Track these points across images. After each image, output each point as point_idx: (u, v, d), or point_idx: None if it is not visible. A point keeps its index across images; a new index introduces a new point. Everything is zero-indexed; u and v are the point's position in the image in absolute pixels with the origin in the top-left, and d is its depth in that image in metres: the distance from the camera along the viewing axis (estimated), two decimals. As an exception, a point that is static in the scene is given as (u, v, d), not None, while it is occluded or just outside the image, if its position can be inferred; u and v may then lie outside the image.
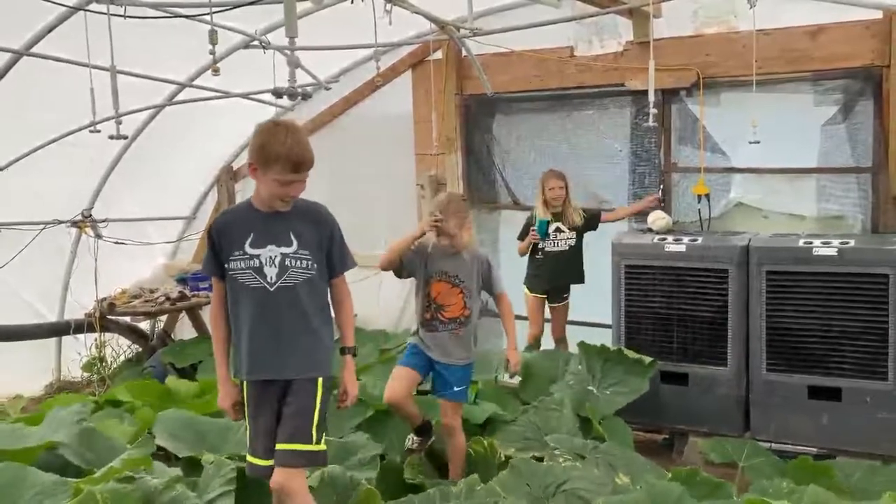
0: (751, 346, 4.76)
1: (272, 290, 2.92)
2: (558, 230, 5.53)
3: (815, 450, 4.63)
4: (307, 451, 2.94)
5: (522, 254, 5.70)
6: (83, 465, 3.53)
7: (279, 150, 2.79)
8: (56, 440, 3.65)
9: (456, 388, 3.99)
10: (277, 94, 4.22)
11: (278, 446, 2.93)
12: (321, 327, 3.03)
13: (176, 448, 3.98)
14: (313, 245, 2.98)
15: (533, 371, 5.38)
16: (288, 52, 4.01)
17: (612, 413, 4.71)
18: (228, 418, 3.34)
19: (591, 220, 5.61)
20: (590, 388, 4.99)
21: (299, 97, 4.25)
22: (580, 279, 5.66)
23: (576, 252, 5.60)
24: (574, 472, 3.68)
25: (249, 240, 2.93)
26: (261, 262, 2.92)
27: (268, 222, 2.95)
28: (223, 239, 2.96)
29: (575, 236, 5.56)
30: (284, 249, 2.93)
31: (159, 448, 4.25)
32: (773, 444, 4.78)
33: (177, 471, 3.60)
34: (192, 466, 3.81)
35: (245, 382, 3.03)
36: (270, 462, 2.96)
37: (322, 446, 2.98)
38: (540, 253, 5.58)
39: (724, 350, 4.84)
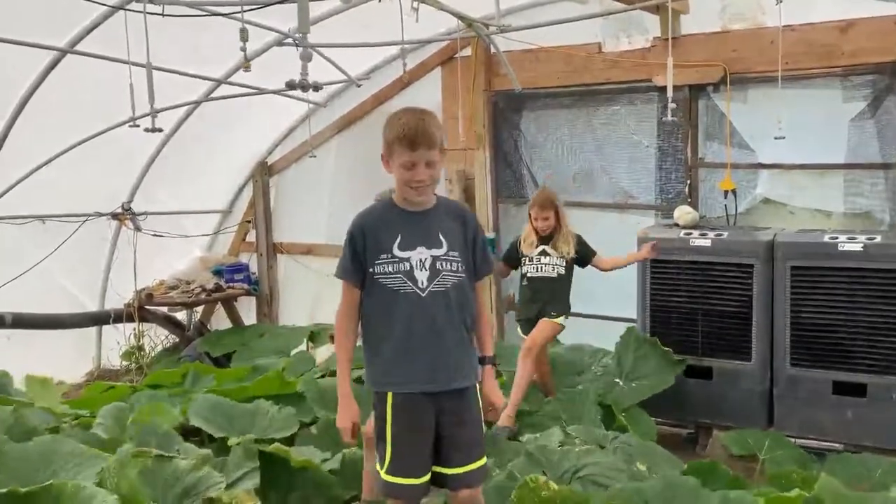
0: (775, 341, 4.76)
1: (424, 295, 2.71)
2: (544, 253, 4.86)
3: (839, 445, 4.64)
4: (485, 465, 2.81)
5: (502, 275, 5.57)
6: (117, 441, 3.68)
7: (396, 130, 2.65)
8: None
9: None
10: (290, 86, 4.31)
11: (464, 469, 2.75)
12: (471, 333, 2.85)
13: (210, 430, 4.12)
14: (460, 246, 2.79)
15: (558, 364, 5.44)
16: (317, 48, 4.13)
17: (636, 404, 4.75)
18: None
19: (581, 257, 4.93)
20: (616, 380, 5.05)
21: (311, 89, 4.30)
22: (564, 310, 4.91)
23: (562, 282, 4.87)
24: (590, 458, 3.73)
25: (397, 242, 2.72)
26: (411, 266, 2.71)
27: (414, 222, 2.77)
28: (368, 241, 2.74)
29: (564, 265, 4.86)
30: (435, 251, 2.74)
31: (194, 432, 4.42)
32: (798, 440, 4.79)
33: (207, 451, 3.74)
34: (224, 448, 3.95)
35: (391, 396, 2.75)
36: (426, 480, 2.75)
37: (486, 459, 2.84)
38: (524, 279, 4.98)
39: (748, 344, 4.85)
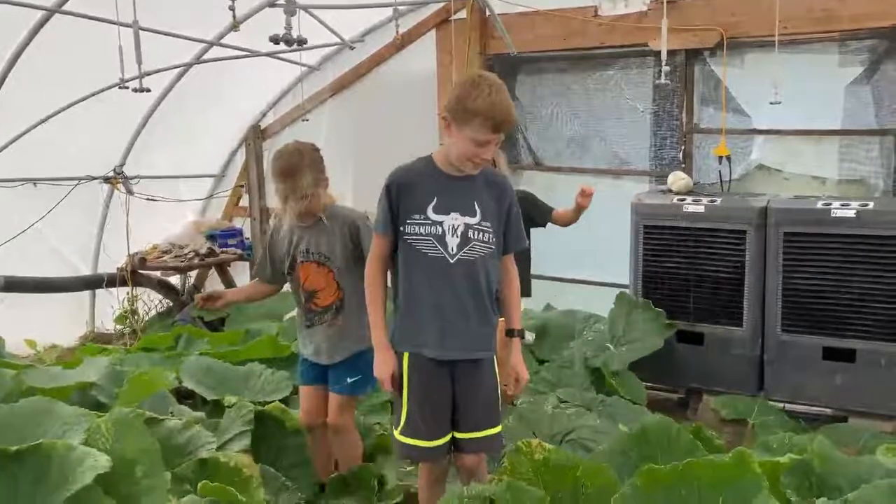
0: (767, 307, 4.77)
1: (452, 261, 2.69)
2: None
3: (829, 410, 4.68)
4: (498, 433, 2.85)
5: None
6: (112, 404, 3.70)
7: (481, 106, 2.54)
8: (88, 381, 3.83)
9: (350, 380, 3.36)
10: (274, 40, 4.24)
11: (472, 435, 2.79)
12: (493, 304, 2.83)
13: (202, 391, 4.13)
14: (494, 218, 2.76)
15: (550, 329, 5.47)
16: (309, 10, 4.08)
17: (627, 368, 4.78)
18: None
19: (536, 217, 4.57)
20: (608, 345, 5.07)
21: (295, 44, 4.23)
22: (525, 291, 4.06)
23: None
24: (579, 420, 3.78)
25: (433, 204, 2.69)
26: (443, 230, 2.68)
27: (453, 186, 2.72)
28: (403, 198, 2.71)
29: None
30: (468, 219, 2.70)
31: (188, 395, 4.44)
32: (787, 405, 4.83)
33: (200, 413, 3.76)
34: (217, 410, 3.97)
35: (409, 356, 2.78)
36: (442, 442, 2.79)
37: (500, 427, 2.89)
38: None
39: (739, 310, 4.86)
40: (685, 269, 5.00)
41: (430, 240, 2.69)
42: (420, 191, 2.70)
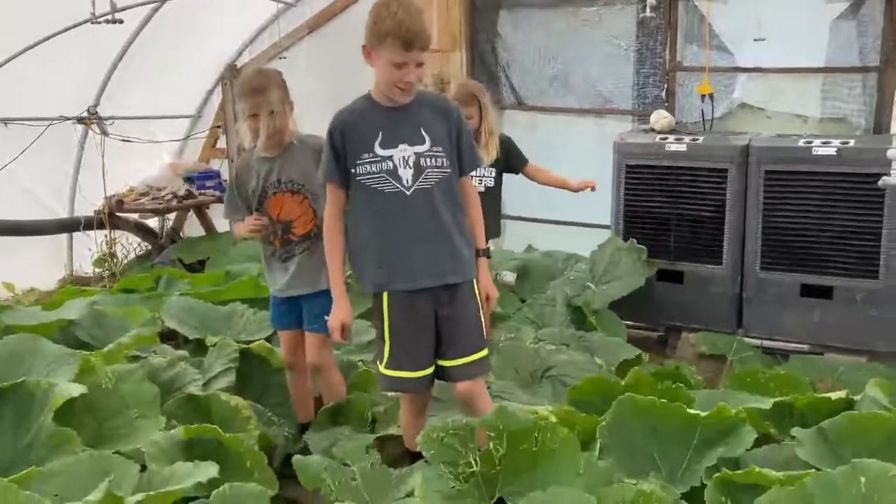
0: (746, 245, 4.81)
1: (409, 193, 2.70)
2: None
3: (805, 347, 4.76)
4: (484, 357, 2.86)
5: None
6: (94, 343, 3.69)
7: (389, 26, 2.53)
8: (69, 319, 3.81)
9: (327, 317, 3.20)
10: None
11: (460, 361, 2.80)
12: (463, 227, 2.85)
13: (185, 331, 4.12)
14: (445, 141, 2.75)
15: (531, 270, 5.49)
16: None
17: (607, 307, 4.83)
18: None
19: (512, 162, 4.49)
20: (588, 284, 5.11)
21: None
22: (494, 231, 4.38)
23: (491, 197, 4.33)
24: (560, 357, 3.82)
25: (378, 140, 2.68)
26: (394, 164, 2.68)
27: (396, 118, 2.71)
28: (348, 141, 2.71)
29: (493, 175, 4.36)
30: (418, 148, 2.69)
31: (170, 336, 4.43)
32: (765, 342, 4.91)
33: (183, 352, 3.76)
34: (200, 350, 3.97)
35: (386, 295, 2.79)
36: (425, 373, 2.82)
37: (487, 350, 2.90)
38: None
39: (719, 249, 4.89)
40: (667, 208, 5.01)
41: (383, 176, 2.69)
42: (364, 129, 2.71)
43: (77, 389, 2.74)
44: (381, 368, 2.86)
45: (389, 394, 3.50)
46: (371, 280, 2.82)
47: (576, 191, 4.65)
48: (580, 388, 3.29)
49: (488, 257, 2.99)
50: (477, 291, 2.87)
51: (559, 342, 4.22)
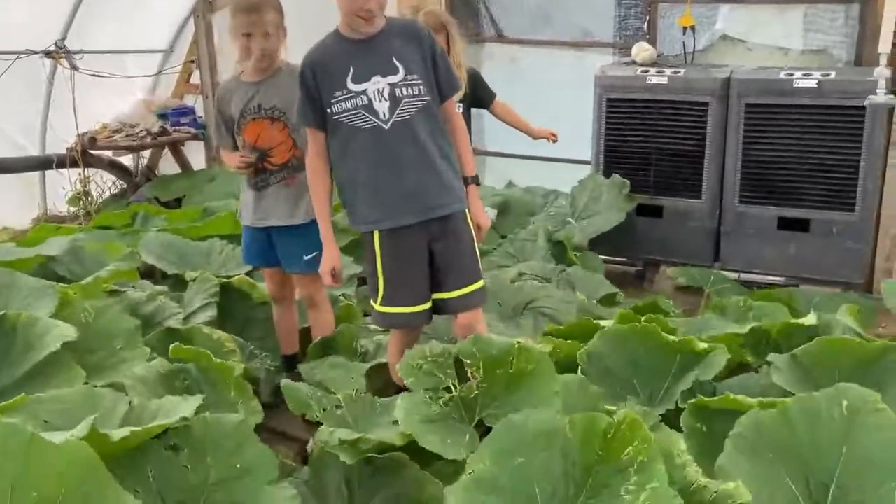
0: (726, 179, 4.83)
1: (388, 127, 2.62)
2: None
3: (781, 279, 4.84)
4: (481, 288, 2.83)
5: None
6: (72, 278, 3.65)
7: None
8: (47, 255, 3.76)
9: (307, 257, 3.22)
10: None
11: (458, 293, 2.77)
12: (450, 156, 2.77)
13: (163, 266, 4.09)
14: (419, 67, 2.65)
15: (512, 206, 5.49)
16: None
17: (587, 242, 4.85)
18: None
19: (479, 95, 4.39)
20: (569, 219, 5.13)
21: None
22: None
23: None
24: (542, 291, 3.85)
25: (350, 75, 2.60)
26: (369, 98, 2.60)
27: (365, 50, 2.62)
28: (320, 81, 2.63)
29: (461, 110, 4.05)
30: (392, 79, 2.61)
31: (149, 273, 4.40)
32: (742, 275, 4.99)
33: (162, 287, 3.74)
34: (179, 285, 3.94)
35: (378, 234, 2.74)
36: (422, 308, 2.79)
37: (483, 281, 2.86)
38: None
39: (699, 183, 4.91)
40: (647, 142, 5.01)
41: (359, 112, 2.62)
42: (335, 66, 2.63)
43: (71, 331, 2.71)
44: (376, 306, 2.83)
45: (372, 327, 3.54)
46: (361, 219, 2.78)
47: (535, 138, 4.64)
48: (563, 332, 3.31)
49: (478, 184, 2.94)
50: (469, 221, 2.84)
51: (541, 276, 4.25)
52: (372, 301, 2.87)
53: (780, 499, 2.04)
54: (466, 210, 2.83)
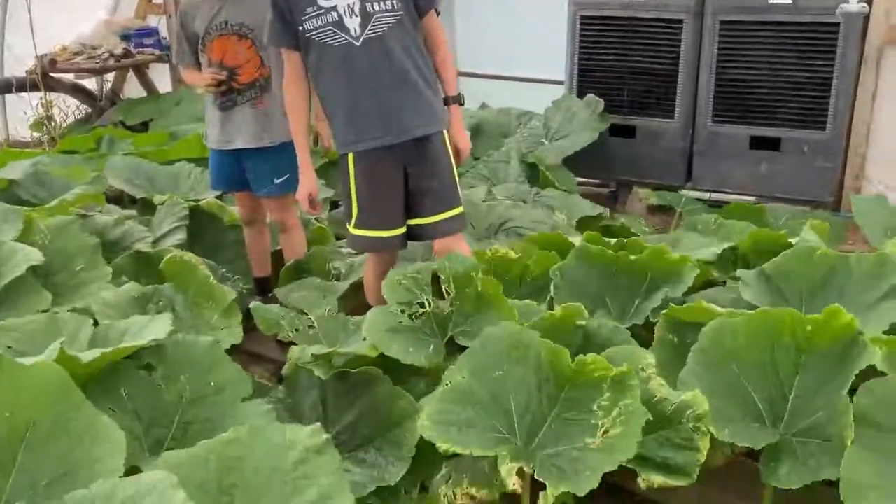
0: (699, 99, 4.80)
1: (359, 44, 2.54)
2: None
3: (752, 198, 4.87)
4: (460, 214, 2.77)
5: None
6: (37, 203, 3.59)
7: None
8: (10, 178, 3.68)
9: (278, 180, 3.19)
10: None
11: (436, 218, 2.72)
12: (428, 75, 2.68)
13: (130, 190, 4.03)
14: None
15: (484, 127, 5.43)
16: None
17: (561, 162, 4.83)
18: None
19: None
20: (542, 140, 5.10)
21: None
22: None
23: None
24: (515, 211, 3.84)
25: None
26: (339, 14, 2.52)
27: None
28: None
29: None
30: None
31: (116, 199, 4.33)
32: (713, 195, 5.02)
33: (130, 211, 3.68)
34: (147, 209, 3.89)
35: (352, 156, 2.70)
36: (397, 233, 2.75)
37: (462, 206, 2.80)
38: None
39: (672, 102, 4.87)
40: (621, 61, 4.94)
41: (330, 29, 2.54)
42: None
43: (36, 255, 2.67)
44: (350, 228, 2.79)
45: (345, 250, 3.53)
46: (339, 140, 2.72)
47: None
48: (535, 239, 3.32)
49: (461, 104, 2.85)
50: (448, 143, 2.76)
51: (516, 198, 4.24)
52: (347, 223, 2.84)
53: (741, 410, 2.09)
54: (445, 132, 2.75)
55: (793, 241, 3.05)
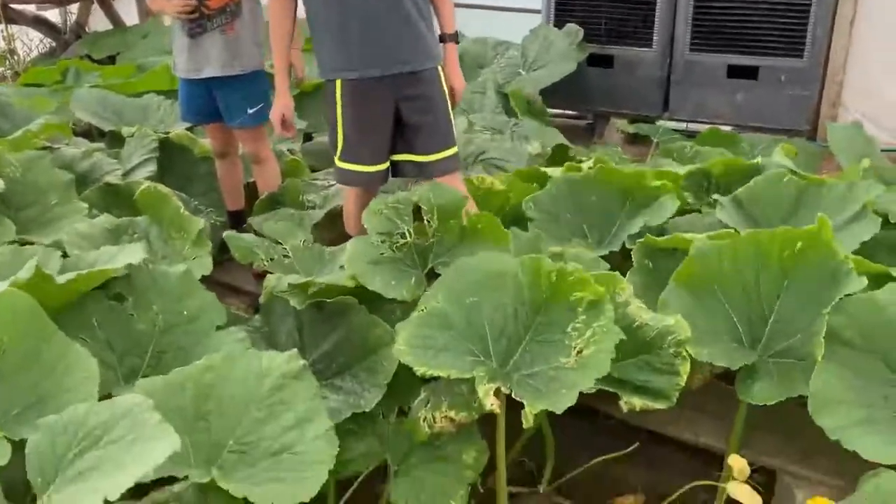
0: (677, 27, 4.76)
1: None
2: None
3: (729, 127, 4.86)
4: (456, 153, 2.70)
5: None
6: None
7: None
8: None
9: (251, 110, 3.12)
10: None
11: (434, 157, 2.65)
12: (424, 8, 2.60)
13: (98, 123, 3.93)
14: None
15: (461, 57, 5.30)
16: None
17: (538, 93, 4.77)
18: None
19: None
20: (519, 71, 5.02)
21: None
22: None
23: None
24: (492, 143, 3.81)
25: None
26: None
27: None
28: None
29: None
30: None
31: (83, 133, 4.23)
32: (689, 125, 5.01)
33: (98, 144, 3.60)
34: (116, 142, 3.80)
35: (340, 83, 2.60)
36: (381, 168, 2.68)
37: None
38: None
39: (650, 31, 4.83)
40: (599, -12, 4.87)
41: None
42: None
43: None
44: (337, 160, 2.73)
45: (319, 182, 3.48)
46: (325, 65, 2.63)
47: None
48: (516, 172, 3.29)
49: (456, 42, 2.77)
50: (443, 82, 2.68)
51: (491, 129, 4.19)
52: (332, 153, 2.77)
53: (720, 332, 2.11)
54: (440, 69, 2.67)
55: (766, 166, 3.04)
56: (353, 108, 2.62)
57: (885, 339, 1.86)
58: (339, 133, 2.68)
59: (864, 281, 1.95)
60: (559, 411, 1.77)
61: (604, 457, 2.25)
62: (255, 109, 3.12)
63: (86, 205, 2.76)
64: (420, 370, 1.89)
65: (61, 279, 1.99)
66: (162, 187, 2.84)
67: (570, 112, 5.51)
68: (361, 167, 2.68)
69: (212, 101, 3.16)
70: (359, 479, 2.14)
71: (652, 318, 2.06)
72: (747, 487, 1.89)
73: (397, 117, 2.65)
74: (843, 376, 1.84)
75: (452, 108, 2.75)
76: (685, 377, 1.97)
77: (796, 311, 2.08)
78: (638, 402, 1.98)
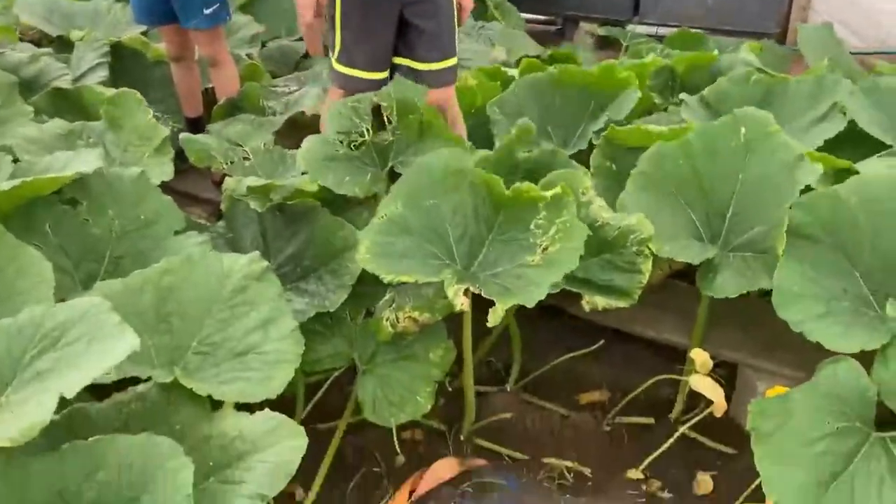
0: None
1: None
2: None
3: (698, 31, 4.79)
4: (455, 65, 2.62)
5: None
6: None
7: None
8: None
9: (207, 10, 3.00)
10: None
11: (435, 66, 2.55)
12: None
13: (45, 27, 3.74)
14: None
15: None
16: None
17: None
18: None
19: None
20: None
21: None
22: None
23: None
24: (460, 45, 3.71)
25: None
26: None
27: None
28: None
29: None
30: None
31: (31, 40, 4.03)
32: (660, 29, 4.92)
33: (46, 49, 3.44)
34: (64, 48, 3.63)
35: None
36: (380, 76, 2.55)
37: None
38: None
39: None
40: None
41: None
42: None
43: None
44: (334, 62, 2.60)
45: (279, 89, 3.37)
46: None
47: None
48: (481, 71, 3.23)
49: None
50: None
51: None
52: (329, 53, 2.63)
53: (680, 229, 2.11)
54: None
55: (730, 64, 3.01)
56: (355, 9, 2.48)
57: (847, 232, 1.86)
58: (336, 33, 2.54)
59: (819, 169, 1.95)
60: (530, 305, 1.77)
61: (570, 355, 2.28)
62: (211, 9, 2.99)
63: (31, 108, 2.63)
64: (387, 277, 1.86)
65: (6, 185, 1.91)
66: (132, 92, 2.72)
67: (540, 17, 5.39)
68: (360, 73, 2.55)
69: (166, 0, 3.01)
70: (328, 381, 2.15)
71: (613, 217, 2.05)
72: (709, 380, 1.93)
73: (401, 21, 2.52)
74: (805, 270, 1.85)
75: (459, 26, 2.65)
76: (647, 275, 1.97)
77: (754, 204, 2.08)
78: (601, 301, 1.98)
